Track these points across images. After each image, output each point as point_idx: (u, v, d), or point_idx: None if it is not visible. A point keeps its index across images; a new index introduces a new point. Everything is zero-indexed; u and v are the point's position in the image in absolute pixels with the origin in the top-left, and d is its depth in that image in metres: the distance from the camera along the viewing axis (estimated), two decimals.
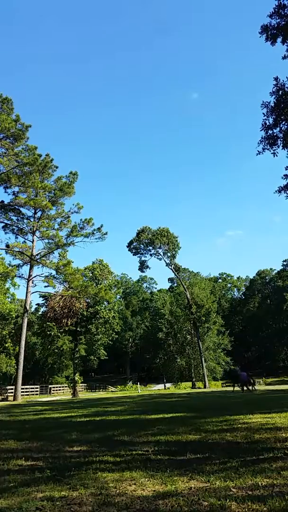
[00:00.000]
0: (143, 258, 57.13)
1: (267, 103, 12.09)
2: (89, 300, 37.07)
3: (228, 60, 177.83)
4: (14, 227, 36.20)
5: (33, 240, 36.52)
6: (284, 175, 12.57)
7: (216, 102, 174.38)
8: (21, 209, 35.94)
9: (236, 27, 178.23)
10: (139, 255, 57.06)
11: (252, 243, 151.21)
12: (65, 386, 47.54)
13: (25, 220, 36.72)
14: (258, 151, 12.49)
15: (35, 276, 36.46)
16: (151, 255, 56.67)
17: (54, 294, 36.32)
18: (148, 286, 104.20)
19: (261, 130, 12.47)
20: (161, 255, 56.15)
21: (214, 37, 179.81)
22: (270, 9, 12.33)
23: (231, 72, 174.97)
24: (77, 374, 37.48)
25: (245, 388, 26.09)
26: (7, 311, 56.36)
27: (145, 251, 56.60)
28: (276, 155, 12.43)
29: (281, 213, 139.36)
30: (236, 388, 27.93)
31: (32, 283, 36.31)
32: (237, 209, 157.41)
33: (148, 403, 17.19)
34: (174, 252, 56.22)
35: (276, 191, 12.72)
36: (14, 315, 58.45)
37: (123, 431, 8.03)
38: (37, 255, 36.23)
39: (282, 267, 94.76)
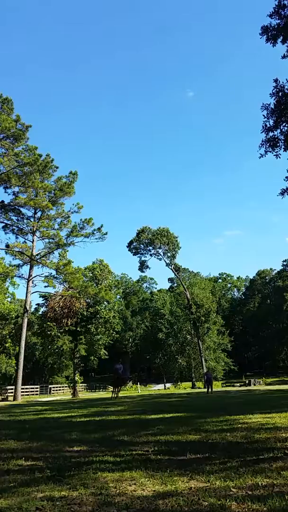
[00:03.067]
0: (143, 258, 57.21)
1: (267, 105, 12.07)
2: (89, 300, 37.07)
3: (224, 57, 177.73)
4: (14, 227, 36.22)
5: (33, 240, 36.53)
6: (286, 177, 12.55)
7: (213, 101, 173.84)
8: (21, 209, 35.95)
9: (231, 24, 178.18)
10: (139, 255, 57.14)
11: (251, 243, 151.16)
12: (65, 386, 47.53)
13: (25, 220, 36.74)
14: (261, 154, 12.43)
15: (35, 276, 36.47)
16: (151, 255, 56.75)
17: (54, 294, 36.32)
18: (148, 286, 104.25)
19: (261, 132, 12.43)
20: (161, 255, 56.22)
21: (207, 35, 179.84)
22: (269, 8, 12.37)
23: (227, 70, 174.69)
24: (77, 374, 37.48)
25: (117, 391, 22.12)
26: (7, 311, 56.37)
27: (145, 251, 56.66)
28: (279, 157, 12.38)
29: (279, 213, 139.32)
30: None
31: (32, 283, 36.31)
32: (235, 209, 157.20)
33: (148, 403, 17.19)
34: (174, 252, 56.26)
35: (279, 193, 12.70)
36: (14, 315, 58.42)
37: (123, 431, 8.03)
38: (37, 255, 36.24)
39: (282, 267, 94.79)
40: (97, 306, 38.97)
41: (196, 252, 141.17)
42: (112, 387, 22.59)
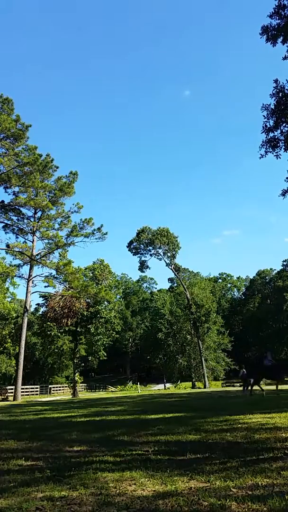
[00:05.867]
0: (143, 258, 57.25)
1: (267, 106, 12.09)
2: (89, 300, 37.07)
3: (222, 57, 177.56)
4: (14, 227, 36.26)
5: (33, 240, 36.56)
6: (287, 178, 12.57)
7: (210, 100, 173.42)
8: (21, 209, 36.02)
9: (230, 24, 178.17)
10: (139, 255, 57.18)
11: (250, 243, 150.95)
12: (65, 386, 47.55)
13: (25, 220, 36.80)
14: (261, 154, 12.44)
15: (35, 276, 36.51)
16: (151, 255, 56.78)
17: (54, 294, 36.34)
18: (148, 286, 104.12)
19: (262, 133, 12.45)
20: (161, 255, 56.24)
21: (206, 35, 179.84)
22: (269, 8, 12.38)
23: (224, 68, 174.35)
24: (77, 374, 37.49)
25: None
26: (7, 311, 56.38)
27: (145, 251, 56.69)
28: (279, 158, 12.40)
29: (277, 214, 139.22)
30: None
31: (32, 283, 36.34)
32: (232, 209, 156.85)
33: (148, 403, 17.20)
34: (174, 252, 56.29)
35: (280, 194, 12.72)
36: (14, 315, 58.45)
37: (123, 431, 8.03)
38: (37, 255, 36.26)
39: (282, 267, 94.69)
40: (97, 306, 38.97)
41: (196, 252, 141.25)
42: (251, 383, 18.79)
